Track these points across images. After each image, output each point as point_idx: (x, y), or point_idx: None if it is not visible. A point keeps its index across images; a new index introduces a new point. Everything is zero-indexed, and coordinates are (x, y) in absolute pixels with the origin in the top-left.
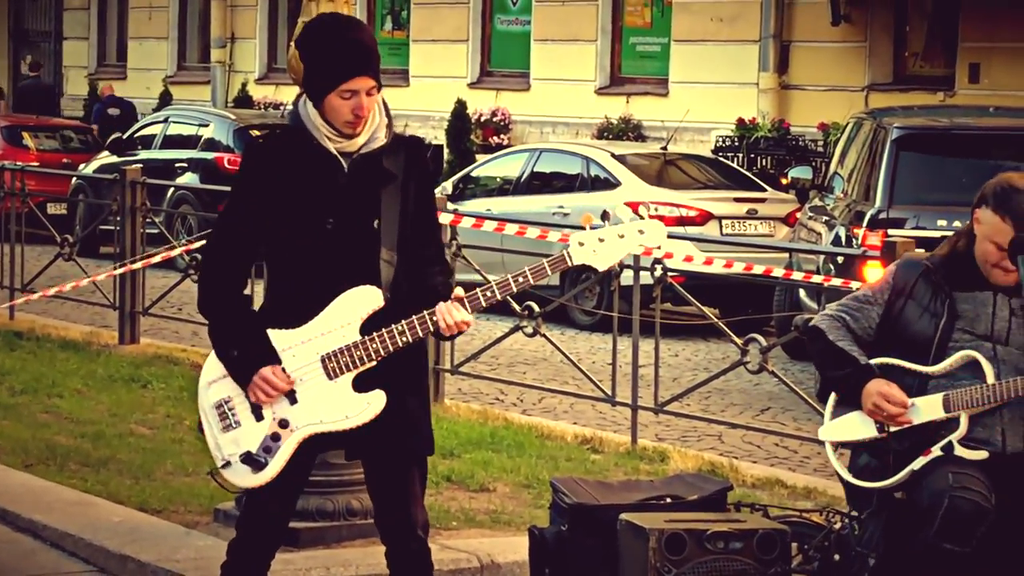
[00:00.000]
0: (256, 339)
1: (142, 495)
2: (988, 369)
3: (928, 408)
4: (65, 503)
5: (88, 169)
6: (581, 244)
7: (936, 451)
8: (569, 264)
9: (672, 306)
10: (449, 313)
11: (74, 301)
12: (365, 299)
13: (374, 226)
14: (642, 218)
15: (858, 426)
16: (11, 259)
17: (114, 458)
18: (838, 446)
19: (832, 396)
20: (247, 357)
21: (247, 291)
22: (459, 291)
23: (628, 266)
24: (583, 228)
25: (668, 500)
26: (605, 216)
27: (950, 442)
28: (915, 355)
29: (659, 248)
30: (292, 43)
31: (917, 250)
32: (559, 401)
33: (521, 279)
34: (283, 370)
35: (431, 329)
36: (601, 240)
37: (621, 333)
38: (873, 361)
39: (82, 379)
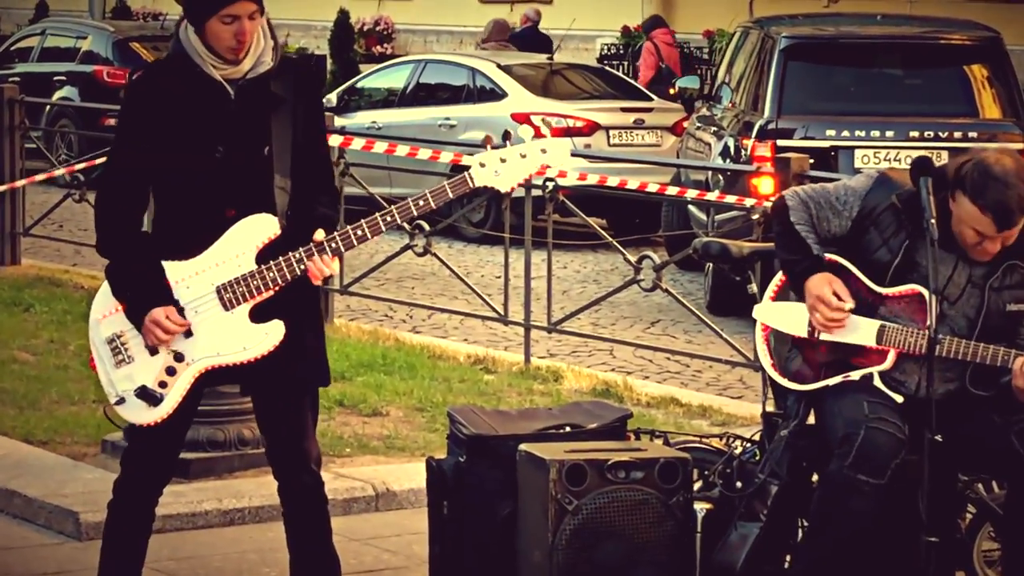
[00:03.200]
0: (150, 280)
1: (27, 426)
2: (932, 316)
3: (863, 331)
4: None
5: None
6: (483, 165)
7: (855, 376)
8: (471, 186)
9: (560, 217)
10: (320, 271)
11: None
12: (261, 227)
13: (264, 153)
14: (544, 137)
15: (793, 318)
16: None
17: None
18: (767, 330)
19: (778, 276)
20: (140, 298)
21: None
22: (319, 234)
23: (520, 184)
24: (484, 148)
25: (567, 429)
26: (507, 136)
27: (871, 373)
28: (871, 276)
29: (557, 169)
30: None
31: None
32: (448, 317)
33: (422, 202)
34: (180, 312)
35: (298, 273)
36: (503, 160)
37: (511, 246)
38: (831, 256)
39: None
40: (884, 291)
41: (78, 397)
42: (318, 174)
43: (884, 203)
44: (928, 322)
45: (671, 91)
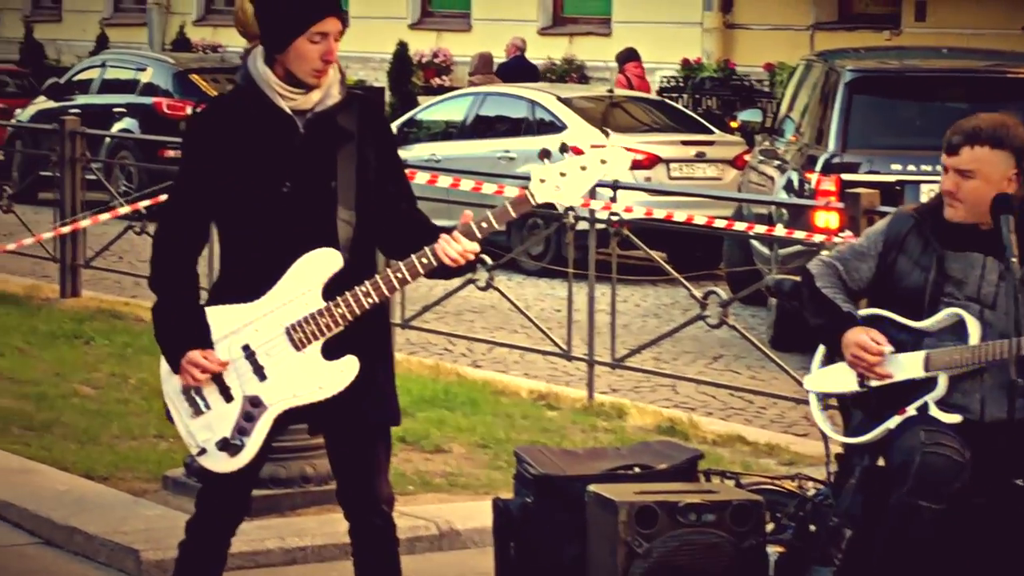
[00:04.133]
0: (189, 321)
1: (88, 461)
2: (973, 329)
3: (909, 365)
4: (7, 471)
5: (25, 115)
6: (543, 181)
7: (911, 411)
8: (533, 203)
9: (620, 250)
10: (449, 244)
11: (11, 253)
12: (324, 262)
13: (330, 187)
14: (602, 147)
15: (842, 378)
16: None
17: (58, 421)
18: (822, 397)
19: (821, 346)
20: (178, 339)
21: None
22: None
23: (583, 218)
24: (541, 162)
25: (637, 470)
26: (565, 149)
27: (925, 403)
28: (908, 311)
29: (624, 205)
30: None
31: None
32: (508, 351)
33: (484, 224)
34: (252, 356)
35: (433, 264)
36: (563, 174)
37: (572, 280)
38: (862, 312)
39: (23, 336)
40: (924, 326)
41: (139, 432)
42: (406, 200)
43: (906, 227)
44: (1012, 370)
45: None
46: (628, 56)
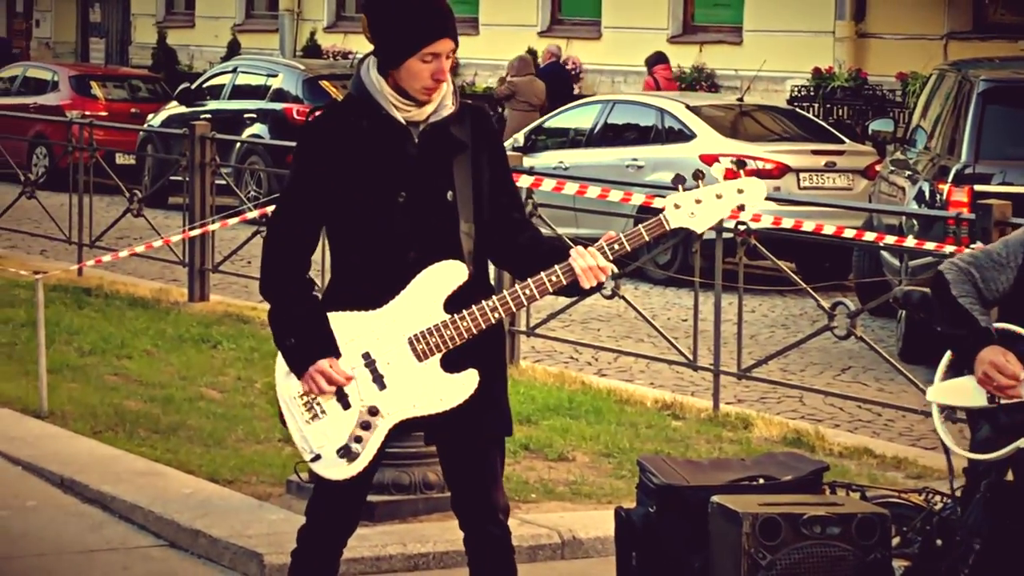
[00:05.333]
0: (316, 329)
1: (213, 464)
2: None
3: None
4: (134, 473)
5: (156, 120)
6: (677, 207)
7: None
8: (667, 228)
9: (748, 260)
10: (582, 257)
11: (142, 256)
12: (450, 274)
13: (448, 198)
14: (738, 176)
15: (969, 392)
16: (79, 213)
17: (184, 424)
18: (945, 410)
19: (946, 356)
20: (305, 347)
21: (309, 273)
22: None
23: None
24: (675, 189)
25: (761, 481)
26: (699, 176)
27: None
28: None
29: (751, 213)
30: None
31: None
32: (634, 360)
33: (617, 246)
34: (372, 365)
35: (563, 283)
36: (698, 201)
37: (697, 290)
38: (996, 325)
39: (151, 339)
40: None
41: (264, 436)
42: (517, 211)
43: None
44: None
45: None
46: (657, 59)
